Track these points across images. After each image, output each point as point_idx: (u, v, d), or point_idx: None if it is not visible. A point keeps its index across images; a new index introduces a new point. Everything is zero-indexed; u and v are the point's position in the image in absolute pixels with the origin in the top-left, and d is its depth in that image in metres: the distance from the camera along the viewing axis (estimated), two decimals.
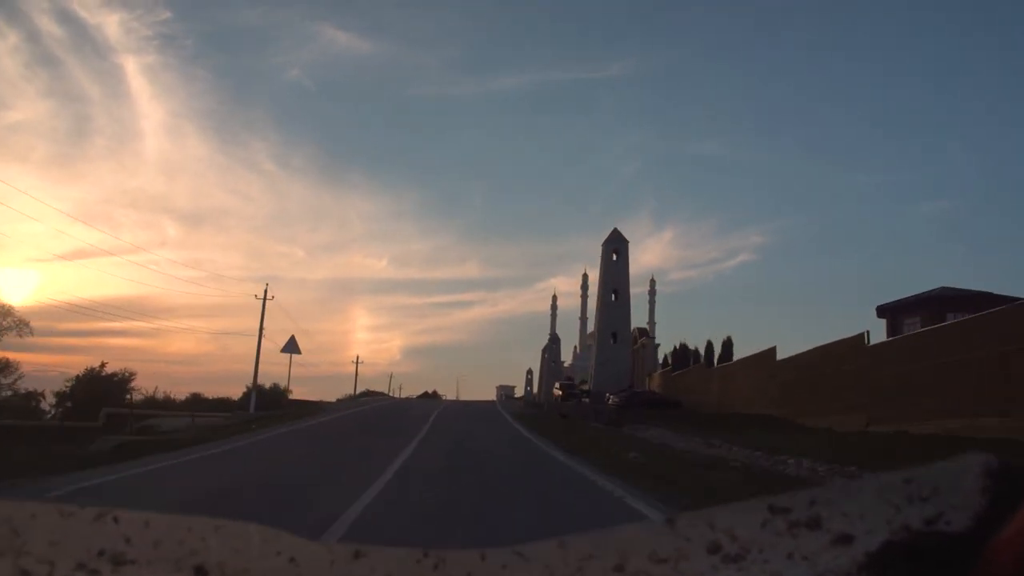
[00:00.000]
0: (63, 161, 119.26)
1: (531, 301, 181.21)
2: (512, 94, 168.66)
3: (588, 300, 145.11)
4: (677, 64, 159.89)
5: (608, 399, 42.98)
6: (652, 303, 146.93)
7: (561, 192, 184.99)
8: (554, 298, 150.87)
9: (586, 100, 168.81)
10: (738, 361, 34.85)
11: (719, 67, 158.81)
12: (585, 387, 52.44)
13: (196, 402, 44.86)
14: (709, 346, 48.92)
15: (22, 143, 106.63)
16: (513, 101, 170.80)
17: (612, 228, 52.98)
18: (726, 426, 24.06)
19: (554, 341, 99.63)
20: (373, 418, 25.93)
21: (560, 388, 50.57)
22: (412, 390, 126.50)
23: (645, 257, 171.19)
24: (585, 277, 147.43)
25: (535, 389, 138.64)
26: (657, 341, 59.32)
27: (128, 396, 49.77)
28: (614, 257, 50.85)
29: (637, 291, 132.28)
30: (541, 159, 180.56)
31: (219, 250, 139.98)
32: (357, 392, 70.95)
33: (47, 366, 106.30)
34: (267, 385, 47.35)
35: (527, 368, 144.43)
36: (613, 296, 50.74)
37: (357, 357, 78.53)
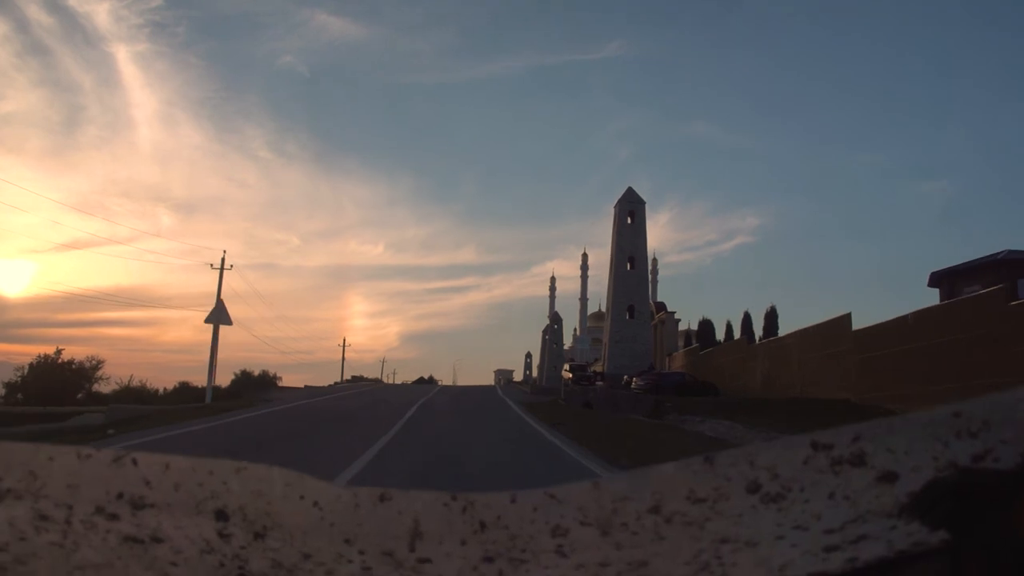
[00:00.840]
0: (56, 151, 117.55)
1: (527, 286, 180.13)
2: (505, 78, 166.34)
3: (588, 280, 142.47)
4: (671, 45, 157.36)
5: (628, 382, 36.91)
6: (655, 283, 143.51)
7: (556, 176, 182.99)
8: (552, 279, 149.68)
9: (579, 83, 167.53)
10: (794, 334, 28.42)
11: (713, 48, 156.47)
12: (598, 369, 46.14)
13: (131, 393, 38.66)
14: (746, 319, 42.49)
15: (15, 134, 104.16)
16: (506, 85, 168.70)
17: (626, 187, 46.41)
18: (809, 415, 17.75)
19: (555, 322, 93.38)
20: (327, 413, 19.21)
21: (569, 371, 43.94)
22: (408, 376, 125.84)
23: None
24: (585, 257, 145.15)
25: (534, 372, 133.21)
26: (677, 315, 52.73)
27: (86, 386, 44.01)
28: (629, 220, 44.23)
29: None
30: (535, 143, 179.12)
31: (215, 238, 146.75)
32: (347, 378, 64.54)
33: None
34: (255, 372, 44.62)
35: (526, 352, 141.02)
36: (629, 265, 44.07)
37: (344, 340, 71.94)
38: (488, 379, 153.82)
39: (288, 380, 47.65)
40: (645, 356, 43.10)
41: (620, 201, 45.91)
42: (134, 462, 0.53)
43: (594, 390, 35.56)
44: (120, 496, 0.52)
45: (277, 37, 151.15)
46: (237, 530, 0.50)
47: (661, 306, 53.14)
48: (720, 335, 44.71)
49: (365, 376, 67.83)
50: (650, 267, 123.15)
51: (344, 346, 70.36)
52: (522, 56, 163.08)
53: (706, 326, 47.53)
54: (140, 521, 0.51)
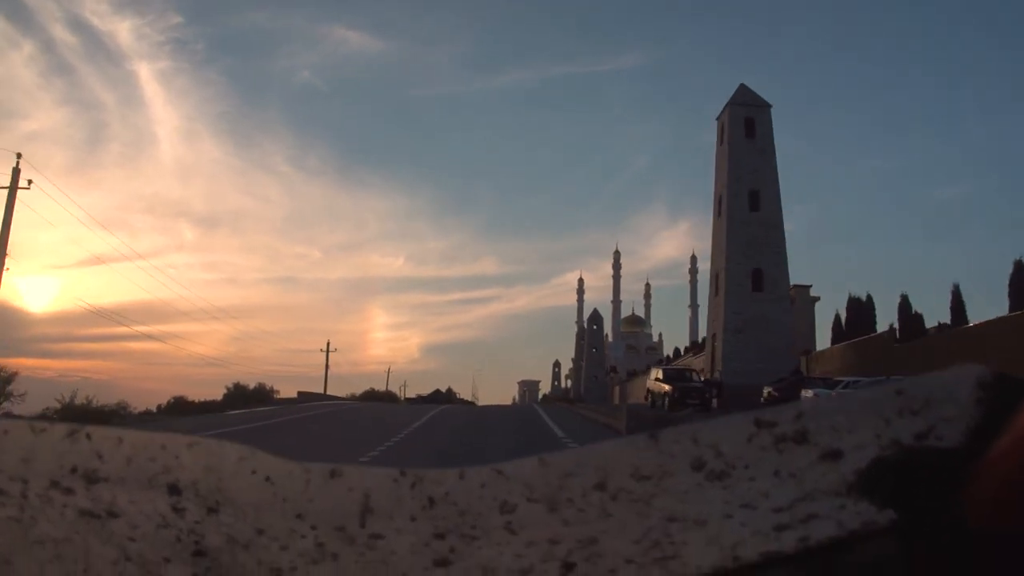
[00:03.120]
0: (80, 168, 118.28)
1: (547, 296, 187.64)
2: (521, 89, 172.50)
3: (620, 281, 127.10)
4: (684, 55, 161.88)
5: (770, 396, 20.22)
6: (693, 284, 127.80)
7: (573, 186, 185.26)
8: (580, 281, 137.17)
9: (595, 93, 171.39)
10: None
11: (726, 57, 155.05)
12: (713, 376, 28.16)
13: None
14: (958, 299, 25.24)
15: (40, 152, 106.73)
16: (522, 96, 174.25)
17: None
18: None
19: (594, 321, 75.24)
20: None
21: (666, 381, 25.60)
22: (424, 388, 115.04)
23: (662, 250, 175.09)
24: (617, 255, 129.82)
25: (564, 383, 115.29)
26: (815, 293, 34.79)
27: None
28: (746, 135, 28.14)
29: (662, 283, 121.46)
30: (552, 154, 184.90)
31: (236, 252, 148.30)
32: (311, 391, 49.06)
33: (71, 371, 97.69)
34: (251, 385, 40.88)
35: (553, 361, 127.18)
36: (749, 203, 27.22)
37: (328, 344, 55.03)
38: (511, 390, 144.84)
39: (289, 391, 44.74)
40: (785, 353, 25.98)
41: (731, 105, 28.55)
42: (88, 436, 0.53)
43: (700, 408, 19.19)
44: (74, 470, 0.51)
45: (295, 52, 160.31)
46: (190, 504, 0.50)
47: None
48: (884, 319, 27.24)
49: (352, 394, 51.17)
50: (689, 267, 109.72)
51: (328, 351, 53.22)
52: (537, 67, 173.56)
53: (859, 307, 29.99)
54: (95, 495, 0.51)
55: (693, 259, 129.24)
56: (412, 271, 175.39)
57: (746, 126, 28.16)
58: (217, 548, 0.49)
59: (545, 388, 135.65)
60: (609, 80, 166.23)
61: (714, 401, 23.21)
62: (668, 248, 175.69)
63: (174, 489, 0.50)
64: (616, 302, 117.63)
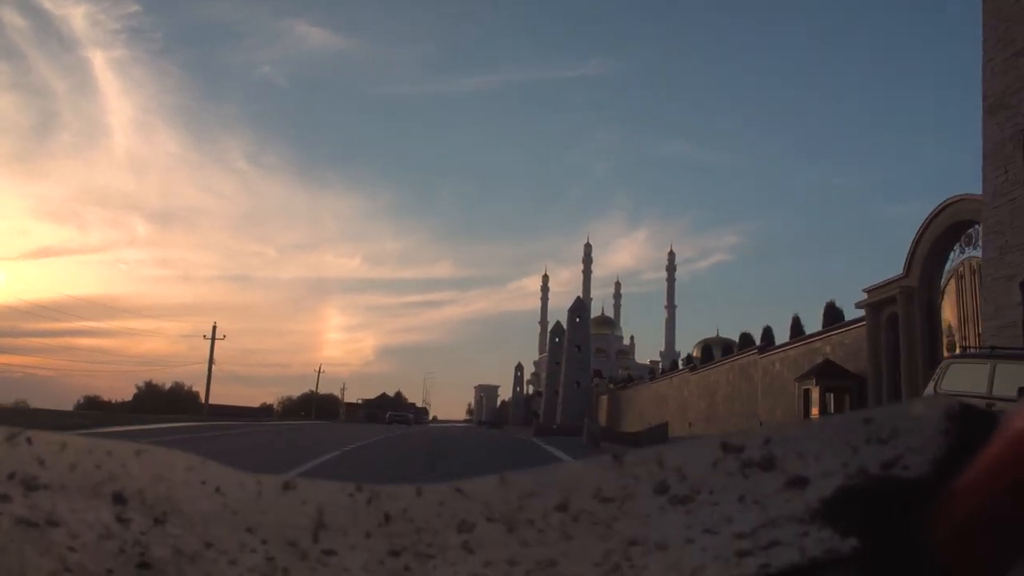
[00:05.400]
0: (28, 157, 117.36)
1: (504, 300, 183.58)
2: (485, 93, 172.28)
3: (591, 276, 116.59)
4: (649, 63, 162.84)
5: None
6: (671, 282, 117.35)
7: (534, 191, 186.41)
8: (545, 278, 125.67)
9: (558, 99, 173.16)
10: None
11: (691, 66, 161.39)
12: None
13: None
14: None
15: None
16: (486, 100, 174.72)
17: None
18: None
19: (577, 311, 62.05)
20: None
21: None
22: (371, 392, 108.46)
23: (619, 257, 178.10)
24: (588, 247, 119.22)
25: (526, 389, 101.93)
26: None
27: None
28: None
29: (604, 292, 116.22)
30: (514, 158, 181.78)
31: (190, 249, 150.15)
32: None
33: (13, 367, 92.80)
34: (166, 385, 43.04)
35: (515, 364, 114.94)
36: None
37: (213, 328, 41.27)
38: (467, 395, 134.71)
39: (265, 396, 34.94)
40: None
41: None
42: (28, 441, 0.50)
43: None
44: (12, 476, 0.48)
45: (256, 46, 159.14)
46: (136, 515, 0.48)
47: None
48: None
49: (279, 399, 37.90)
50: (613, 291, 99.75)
51: (213, 337, 39.31)
52: (502, 71, 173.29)
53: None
54: (33, 503, 0.48)
55: (671, 255, 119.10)
56: (368, 272, 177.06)
57: None
58: (163, 560, 0.47)
59: (505, 393, 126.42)
60: (571, 86, 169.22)
61: None
62: (625, 256, 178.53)
63: (119, 498, 0.48)
64: (587, 300, 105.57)
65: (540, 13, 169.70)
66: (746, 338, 33.47)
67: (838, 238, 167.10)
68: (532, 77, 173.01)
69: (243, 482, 0.48)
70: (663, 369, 67.81)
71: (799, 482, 0.44)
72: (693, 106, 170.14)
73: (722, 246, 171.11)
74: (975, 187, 15.59)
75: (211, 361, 37.83)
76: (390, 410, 34.99)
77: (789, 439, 0.45)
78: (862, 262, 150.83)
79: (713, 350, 45.32)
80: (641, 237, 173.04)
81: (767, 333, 30.51)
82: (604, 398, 58.75)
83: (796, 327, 27.96)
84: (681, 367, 43.14)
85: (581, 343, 59.58)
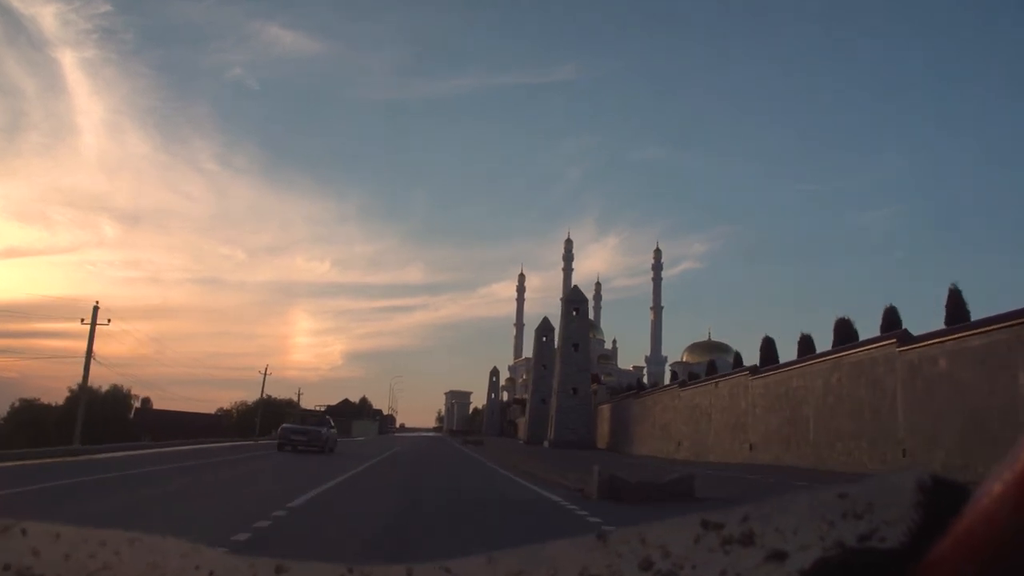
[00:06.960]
0: None
1: (475, 306, 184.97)
2: (457, 98, 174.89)
3: (571, 275, 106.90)
4: (621, 71, 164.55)
5: None
6: (657, 282, 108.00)
7: (505, 197, 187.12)
8: (521, 277, 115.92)
9: (531, 105, 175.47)
10: None
11: (661, 74, 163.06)
12: None
13: None
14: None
15: None
16: (458, 104, 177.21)
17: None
18: None
19: (574, 303, 51.10)
20: None
21: None
22: (338, 397, 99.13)
23: (591, 263, 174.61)
24: (569, 243, 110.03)
25: (502, 395, 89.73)
26: None
27: None
28: None
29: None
30: (485, 163, 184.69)
31: (159, 250, 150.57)
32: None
33: None
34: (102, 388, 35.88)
35: (491, 368, 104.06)
36: None
37: (95, 307, 28.95)
38: (437, 401, 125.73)
39: (222, 400, 28.83)
40: None
41: None
42: (23, 532, 0.51)
43: None
44: (7, 568, 0.49)
45: (227, 48, 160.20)
46: None
47: None
48: None
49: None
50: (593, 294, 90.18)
51: (93, 324, 27.26)
52: (473, 76, 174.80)
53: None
54: None
55: (658, 252, 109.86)
56: (338, 276, 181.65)
57: None
58: None
59: (479, 400, 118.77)
60: (545, 92, 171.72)
61: None
62: (596, 262, 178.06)
63: None
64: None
65: (514, 18, 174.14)
66: (844, 329, 23.05)
67: (811, 245, 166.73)
68: (504, 82, 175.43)
69: (237, 566, 0.49)
70: (650, 376, 58.10)
71: (779, 556, 0.45)
72: (669, 112, 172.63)
73: (691, 254, 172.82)
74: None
75: (89, 353, 25.95)
76: (283, 424, 21.92)
77: (767, 515, 0.47)
78: (834, 267, 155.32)
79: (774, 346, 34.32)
80: (612, 243, 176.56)
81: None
82: (605, 408, 48.76)
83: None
84: (731, 369, 32.56)
85: (579, 341, 48.08)
